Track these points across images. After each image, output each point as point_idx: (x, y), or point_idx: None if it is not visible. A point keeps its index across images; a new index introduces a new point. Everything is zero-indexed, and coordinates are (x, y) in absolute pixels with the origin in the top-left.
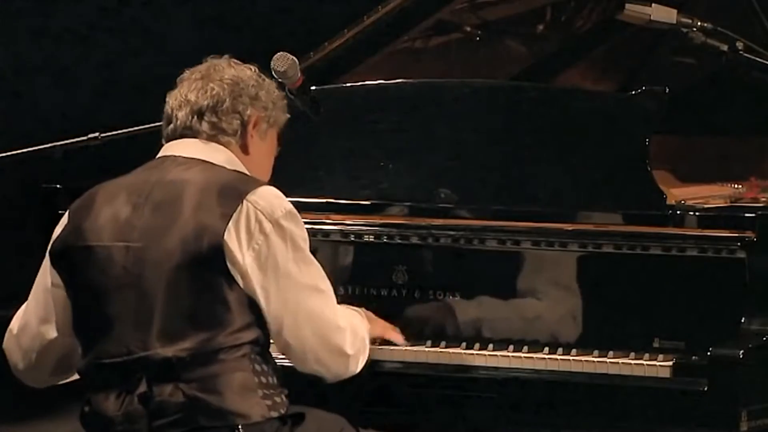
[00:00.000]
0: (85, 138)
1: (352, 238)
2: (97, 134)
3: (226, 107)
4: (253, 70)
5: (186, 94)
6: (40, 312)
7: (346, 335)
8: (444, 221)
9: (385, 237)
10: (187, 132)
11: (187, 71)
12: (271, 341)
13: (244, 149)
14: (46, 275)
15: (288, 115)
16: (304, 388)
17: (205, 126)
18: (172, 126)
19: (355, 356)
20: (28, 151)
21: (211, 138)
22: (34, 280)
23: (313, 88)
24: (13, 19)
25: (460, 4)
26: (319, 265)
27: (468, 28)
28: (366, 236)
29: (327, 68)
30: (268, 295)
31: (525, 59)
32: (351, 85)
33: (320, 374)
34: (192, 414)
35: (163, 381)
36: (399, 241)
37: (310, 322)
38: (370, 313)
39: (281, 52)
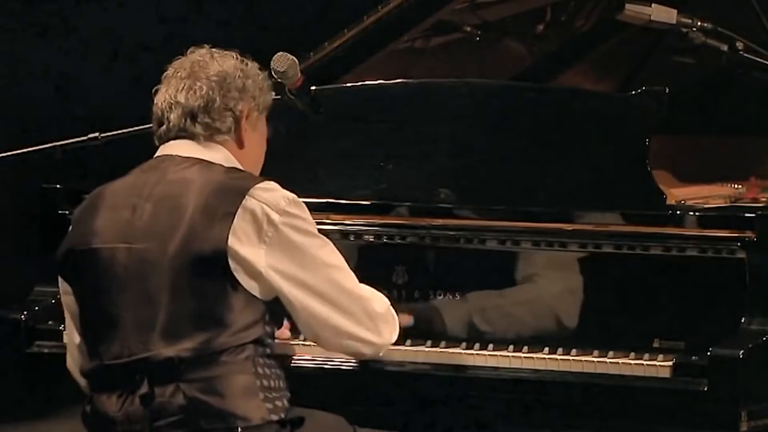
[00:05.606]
0: (85, 138)
1: (352, 239)
2: (97, 134)
3: (218, 106)
4: (234, 57)
5: (174, 95)
6: (69, 323)
7: (373, 300)
8: (444, 221)
9: (385, 237)
10: (182, 134)
11: (170, 68)
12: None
13: (240, 143)
14: (61, 284)
15: (273, 93)
16: (303, 388)
17: (199, 128)
18: (164, 128)
19: (384, 316)
20: (28, 151)
21: (208, 138)
22: (33, 279)
23: (313, 88)
24: (12, 20)
25: (460, 4)
26: (331, 243)
27: (468, 28)
28: (366, 236)
29: (327, 68)
30: (292, 284)
31: (525, 59)
32: (351, 85)
33: (357, 351)
34: (193, 415)
35: (165, 382)
36: (399, 241)
37: (338, 300)
38: None
39: (281, 52)
